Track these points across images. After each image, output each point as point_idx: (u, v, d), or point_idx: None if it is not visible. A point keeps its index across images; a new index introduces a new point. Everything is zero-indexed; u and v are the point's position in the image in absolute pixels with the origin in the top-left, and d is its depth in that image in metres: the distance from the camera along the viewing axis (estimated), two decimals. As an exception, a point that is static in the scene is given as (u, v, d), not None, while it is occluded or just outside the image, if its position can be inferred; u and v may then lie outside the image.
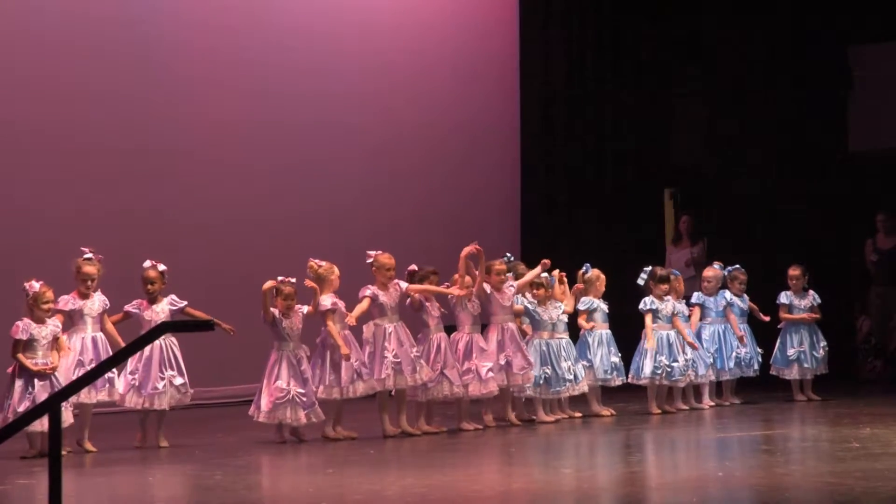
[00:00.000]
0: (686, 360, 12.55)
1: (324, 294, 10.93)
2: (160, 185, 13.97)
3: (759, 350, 13.47)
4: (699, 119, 17.14)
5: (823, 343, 13.62)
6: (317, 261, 11.06)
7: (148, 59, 13.99)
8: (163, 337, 10.58)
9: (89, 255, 10.59)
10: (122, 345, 10.37)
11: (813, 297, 13.64)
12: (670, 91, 17.25)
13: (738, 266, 13.58)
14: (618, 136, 17.26)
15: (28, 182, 13.20)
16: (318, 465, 9.88)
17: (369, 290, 11.09)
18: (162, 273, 10.82)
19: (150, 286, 10.79)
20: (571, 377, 12.09)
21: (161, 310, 10.74)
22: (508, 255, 12.43)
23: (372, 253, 11.24)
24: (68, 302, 10.48)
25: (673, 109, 17.29)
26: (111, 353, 10.39)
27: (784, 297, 13.65)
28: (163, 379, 10.63)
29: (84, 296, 10.52)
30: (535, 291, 12.01)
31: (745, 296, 13.55)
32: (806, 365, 13.53)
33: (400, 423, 11.18)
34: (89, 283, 10.52)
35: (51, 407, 5.65)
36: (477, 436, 11.30)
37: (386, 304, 11.13)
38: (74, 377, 10.09)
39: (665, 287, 12.61)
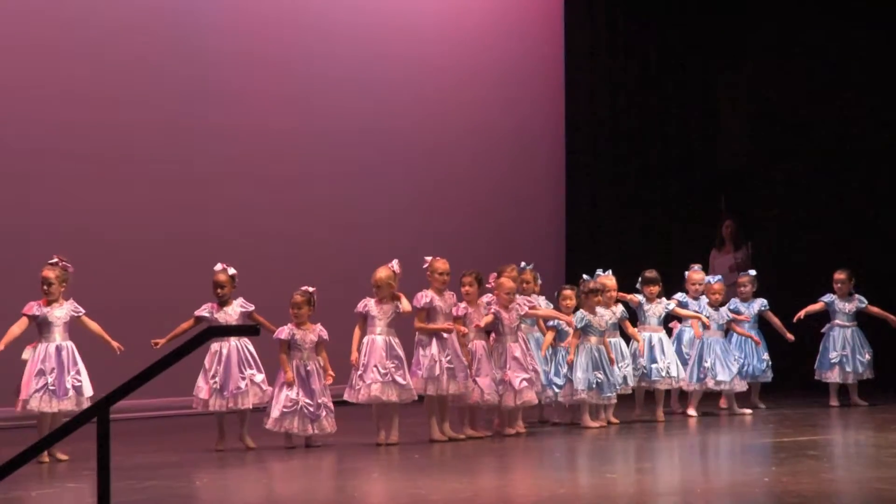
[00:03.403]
0: (667, 364, 12.42)
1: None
2: (215, 192, 14.09)
3: (765, 358, 13.38)
4: (745, 124, 17.02)
5: (868, 348, 13.50)
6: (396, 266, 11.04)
7: (200, 72, 14.11)
8: (236, 340, 10.67)
9: (54, 261, 10.55)
10: (112, 342, 10.51)
11: (858, 301, 13.54)
12: (716, 95, 17.12)
13: (747, 273, 13.56)
14: (664, 142, 17.16)
15: (80, 189, 13.33)
16: (362, 469, 9.88)
17: (426, 298, 11.04)
18: (232, 276, 10.88)
19: (219, 290, 10.85)
20: (622, 380, 12.06)
21: (232, 312, 10.80)
22: (524, 263, 12.33)
23: (428, 258, 11.21)
24: (33, 307, 10.42)
25: (719, 114, 17.18)
26: (77, 363, 10.40)
27: (827, 298, 13.56)
28: (244, 378, 10.67)
29: (48, 303, 10.46)
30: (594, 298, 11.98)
31: (758, 303, 13.42)
32: (848, 369, 13.44)
33: (443, 429, 11.14)
34: (45, 287, 10.43)
35: (98, 411, 5.66)
36: (520, 440, 11.25)
37: (441, 308, 11.09)
38: (36, 386, 10.22)
39: (653, 289, 12.54)
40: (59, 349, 10.40)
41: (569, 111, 17.10)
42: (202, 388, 10.76)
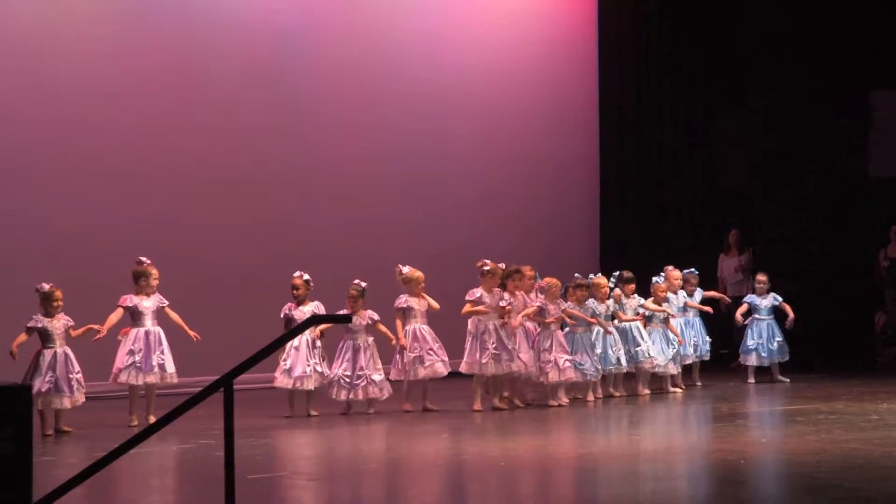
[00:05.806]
0: (647, 347, 12.35)
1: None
2: (303, 203, 14.18)
3: (708, 339, 13.39)
4: (741, 144, 16.75)
5: (779, 337, 13.55)
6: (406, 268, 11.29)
7: (295, 105, 14.20)
8: (307, 334, 10.91)
9: (149, 262, 10.78)
10: (189, 331, 10.66)
11: (773, 298, 13.56)
12: (722, 118, 16.79)
13: (691, 270, 13.61)
14: (677, 162, 16.89)
15: (192, 210, 13.49)
16: (433, 431, 9.97)
17: (477, 294, 11.27)
18: (306, 281, 11.13)
19: (295, 291, 11.11)
20: (615, 361, 12.10)
21: (307, 311, 10.99)
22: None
23: (487, 261, 11.36)
24: (127, 299, 10.68)
25: (724, 137, 16.89)
26: (162, 344, 10.57)
27: (749, 298, 13.69)
28: (309, 366, 10.90)
29: (145, 295, 10.69)
30: (578, 293, 11.96)
31: (700, 291, 13.55)
32: (763, 354, 13.54)
33: (492, 401, 11.24)
34: (153, 281, 10.70)
35: (225, 382, 5.77)
36: (562, 410, 11.28)
37: (491, 304, 11.22)
38: (126, 364, 10.44)
39: (630, 287, 12.55)
40: (147, 333, 10.64)
41: (602, 136, 16.68)
42: (278, 369, 11.04)
